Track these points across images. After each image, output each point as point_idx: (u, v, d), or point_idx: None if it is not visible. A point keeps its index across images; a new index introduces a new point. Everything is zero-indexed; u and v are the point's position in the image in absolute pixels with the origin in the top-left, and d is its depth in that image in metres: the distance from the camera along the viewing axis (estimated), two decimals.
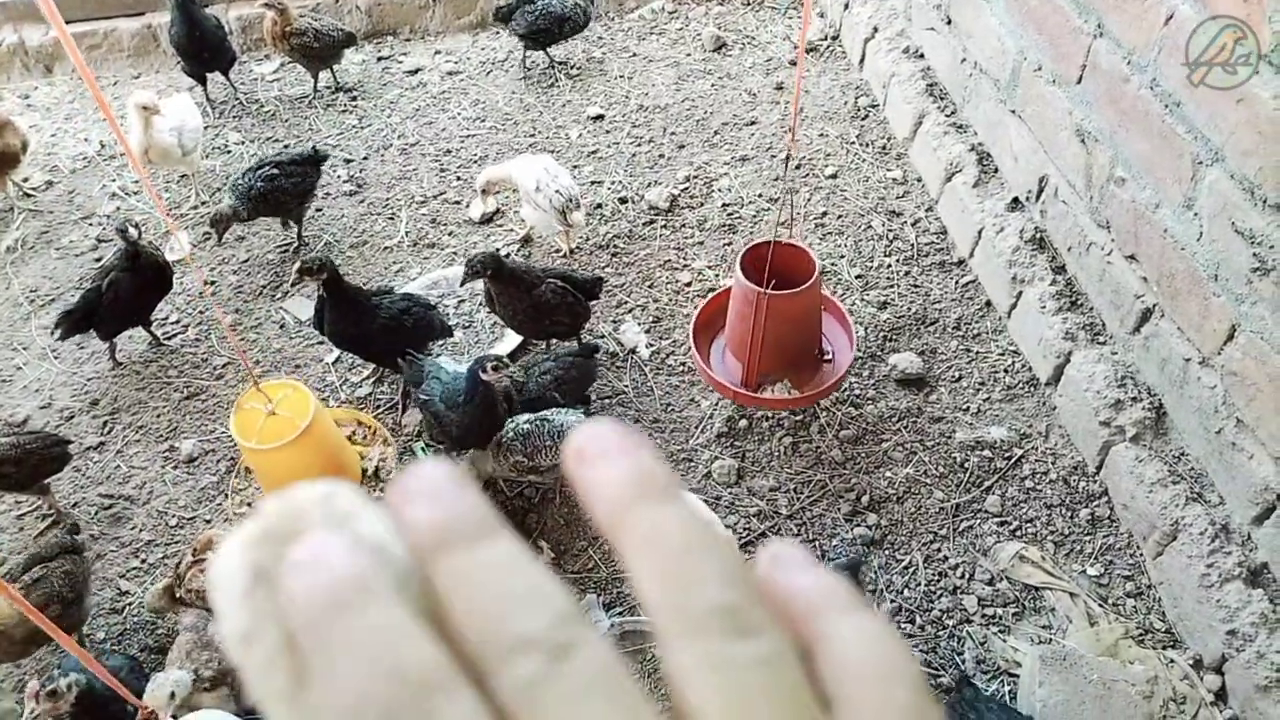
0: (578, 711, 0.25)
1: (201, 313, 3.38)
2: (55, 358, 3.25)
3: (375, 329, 2.79)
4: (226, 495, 2.81)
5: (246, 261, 3.56)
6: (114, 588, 2.65)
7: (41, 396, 3.15)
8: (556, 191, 3.24)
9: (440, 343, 3.11)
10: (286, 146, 4.05)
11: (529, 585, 0.27)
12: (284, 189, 3.34)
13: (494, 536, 0.28)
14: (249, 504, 2.76)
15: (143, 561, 2.69)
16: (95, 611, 2.59)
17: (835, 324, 2.88)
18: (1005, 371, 3.03)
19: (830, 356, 2.83)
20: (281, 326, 3.31)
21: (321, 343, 3.20)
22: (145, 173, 2.62)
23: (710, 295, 2.97)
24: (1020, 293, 2.98)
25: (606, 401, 3.04)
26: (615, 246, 3.54)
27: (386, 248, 3.60)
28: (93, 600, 2.56)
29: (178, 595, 2.30)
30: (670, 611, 0.27)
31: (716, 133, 4.02)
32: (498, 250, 3.51)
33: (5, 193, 3.81)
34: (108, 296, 2.99)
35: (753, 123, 4.06)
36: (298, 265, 2.71)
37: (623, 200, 3.71)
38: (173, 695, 1.93)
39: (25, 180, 3.92)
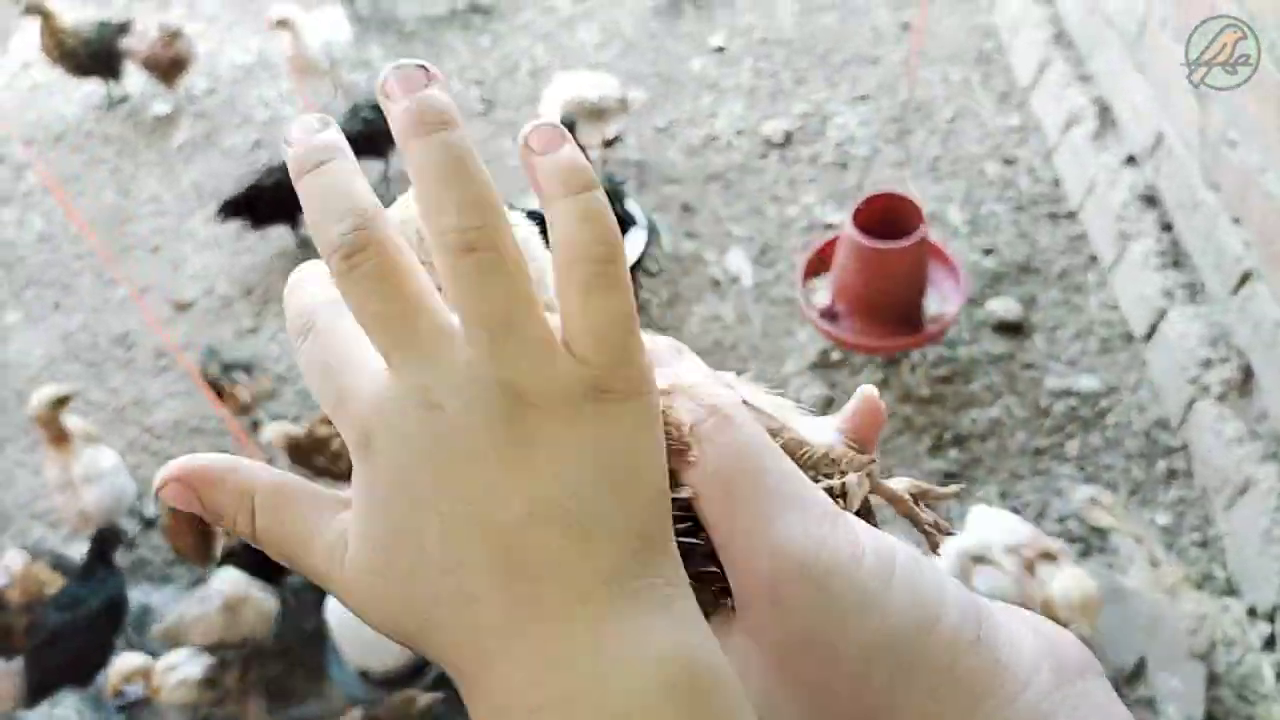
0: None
1: None
2: (219, 248, 3.63)
3: None
4: None
5: (391, 175, 3.85)
6: (264, 456, 3.02)
7: (205, 283, 3.53)
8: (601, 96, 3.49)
9: None
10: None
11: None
12: (381, 131, 3.56)
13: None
14: None
15: None
16: None
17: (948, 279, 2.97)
18: (1103, 324, 3.08)
19: (924, 324, 2.91)
20: (422, 241, 3.60)
21: None
22: (302, 85, 2.90)
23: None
24: (1125, 248, 3.02)
25: (708, 326, 3.23)
26: (727, 178, 3.68)
27: (513, 166, 3.83)
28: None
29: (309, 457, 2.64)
30: (428, 229, 0.36)
31: (837, 69, 4.08)
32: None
33: (175, 96, 4.18)
34: (268, 191, 3.33)
35: (875, 61, 4.10)
36: None
37: (738, 133, 3.84)
38: None
39: (191, 85, 4.28)
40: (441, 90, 0.36)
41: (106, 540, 2.52)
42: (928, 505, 0.56)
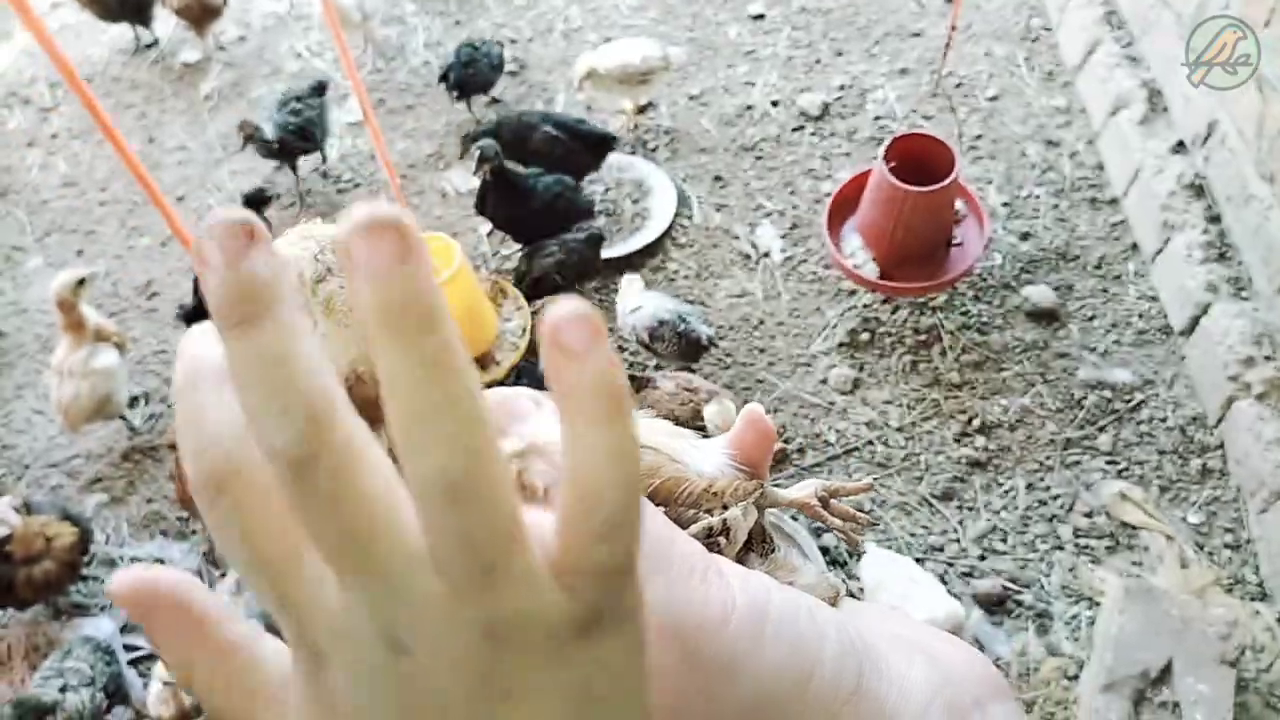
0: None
1: (371, 174, 3.64)
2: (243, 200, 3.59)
3: (533, 210, 2.98)
4: None
5: (414, 130, 3.79)
6: None
7: None
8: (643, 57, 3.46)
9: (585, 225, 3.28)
10: (457, 23, 4.22)
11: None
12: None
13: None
14: None
15: None
16: None
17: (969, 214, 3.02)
18: (1140, 316, 3.01)
19: (960, 241, 2.96)
20: (444, 195, 3.55)
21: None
22: (341, 37, 2.83)
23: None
24: (1168, 238, 2.93)
25: (735, 300, 3.17)
26: (761, 150, 3.60)
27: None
28: None
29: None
30: (405, 463, 0.27)
31: (878, 42, 3.97)
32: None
33: (205, 44, 4.13)
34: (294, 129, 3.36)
35: (917, 34, 3.98)
36: (478, 154, 2.90)
37: (774, 103, 3.75)
38: None
39: (221, 33, 4.22)
40: (414, 264, 0.26)
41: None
42: (842, 502, 0.55)
